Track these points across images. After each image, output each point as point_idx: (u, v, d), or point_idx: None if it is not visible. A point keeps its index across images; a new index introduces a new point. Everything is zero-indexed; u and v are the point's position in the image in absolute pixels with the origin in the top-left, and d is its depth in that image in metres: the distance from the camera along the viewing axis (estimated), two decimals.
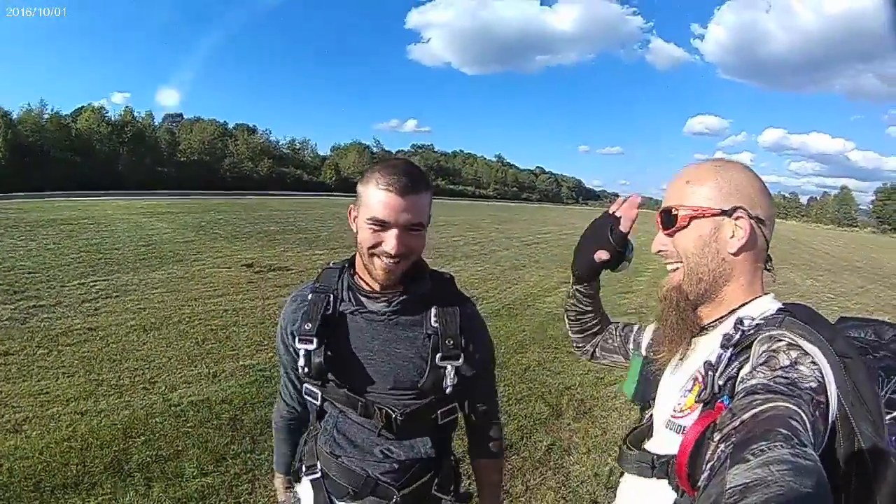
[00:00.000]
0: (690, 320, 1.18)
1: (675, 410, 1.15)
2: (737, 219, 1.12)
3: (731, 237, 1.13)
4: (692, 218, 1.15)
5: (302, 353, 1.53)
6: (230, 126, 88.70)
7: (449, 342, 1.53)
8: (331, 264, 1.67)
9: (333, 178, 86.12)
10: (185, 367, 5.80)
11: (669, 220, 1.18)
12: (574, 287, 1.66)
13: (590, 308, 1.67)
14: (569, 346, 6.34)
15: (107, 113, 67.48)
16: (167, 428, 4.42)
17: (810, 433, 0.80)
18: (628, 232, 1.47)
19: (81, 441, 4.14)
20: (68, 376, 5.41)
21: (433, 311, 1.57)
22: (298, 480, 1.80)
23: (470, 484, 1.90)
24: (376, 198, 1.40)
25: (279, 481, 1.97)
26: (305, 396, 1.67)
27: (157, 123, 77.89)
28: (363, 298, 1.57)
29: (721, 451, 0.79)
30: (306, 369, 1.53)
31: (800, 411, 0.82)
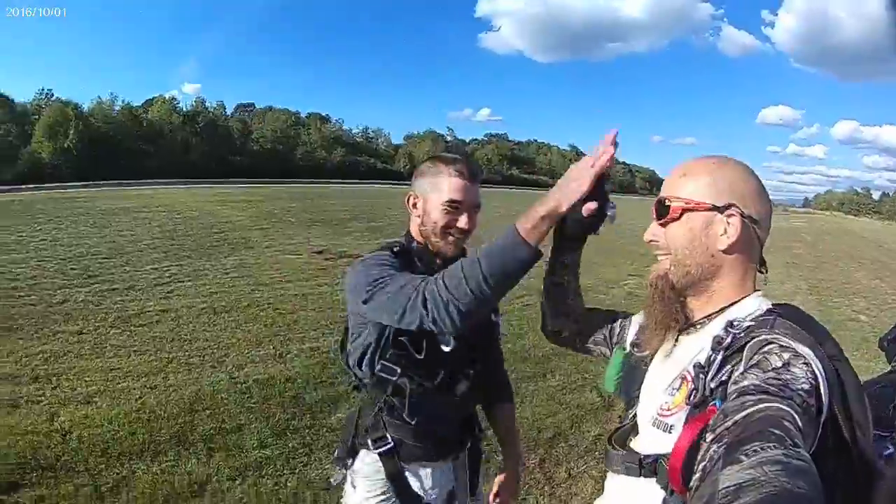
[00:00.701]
0: (676, 311, 1.21)
1: (661, 408, 1.17)
2: (729, 216, 1.14)
3: (722, 234, 1.15)
4: (684, 210, 1.18)
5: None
6: (303, 115, 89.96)
7: None
8: (395, 248, 1.80)
9: (407, 167, 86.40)
10: (253, 348, 6.16)
11: (662, 211, 1.21)
12: (557, 259, 1.59)
13: (570, 283, 1.63)
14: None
15: (178, 103, 69.84)
16: (231, 403, 4.75)
17: (802, 434, 0.82)
18: (607, 175, 1.36)
19: (149, 412, 4.51)
20: (139, 354, 5.86)
21: None
22: (356, 453, 1.91)
23: None
24: (449, 185, 1.72)
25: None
26: (380, 374, 1.80)
27: (228, 113, 79.92)
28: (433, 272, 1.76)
29: (713, 451, 0.82)
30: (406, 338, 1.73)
31: (792, 413, 0.85)
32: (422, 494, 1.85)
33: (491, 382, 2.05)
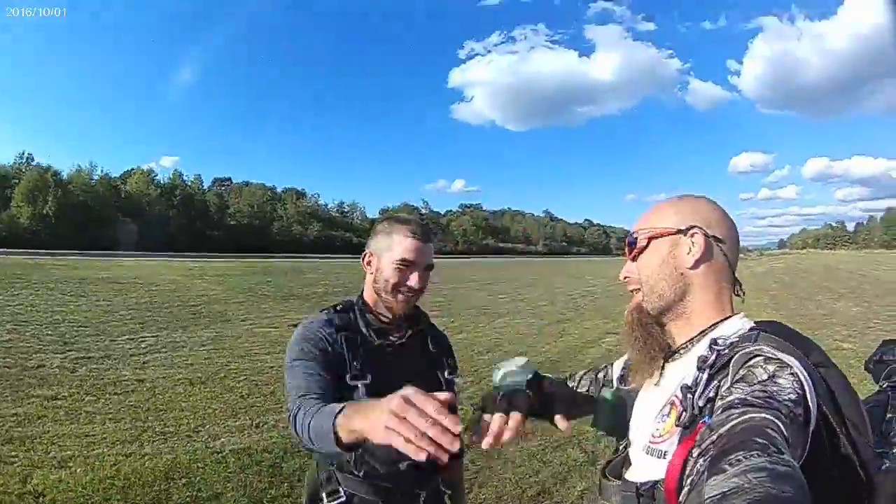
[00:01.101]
0: (658, 336, 1.23)
1: (653, 436, 1.16)
2: (692, 235, 1.19)
3: (688, 253, 1.19)
4: (650, 238, 1.24)
5: (359, 388, 1.75)
6: (279, 190, 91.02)
7: (449, 361, 1.96)
8: (337, 307, 1.90)
9: None
10: (229, 418, 6.09)
11: (632, 244, 1.27)
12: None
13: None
14: None
15: (156, 176, 70.57)
16: (208, 472, 4.68)
17: (788, 442, 0.82)
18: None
19: (124, 480, 4.43)
20: (114, 422, 5.77)
21: (429, 338, 1.97)
22: None
23: None
24: (403, 245, 1.78)
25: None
26: None
27: (205, 187, 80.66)
28: (382, 331, 1.87)
29: (699, 465, 0.82)
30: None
31: (776, 421, 0.84)
32: None
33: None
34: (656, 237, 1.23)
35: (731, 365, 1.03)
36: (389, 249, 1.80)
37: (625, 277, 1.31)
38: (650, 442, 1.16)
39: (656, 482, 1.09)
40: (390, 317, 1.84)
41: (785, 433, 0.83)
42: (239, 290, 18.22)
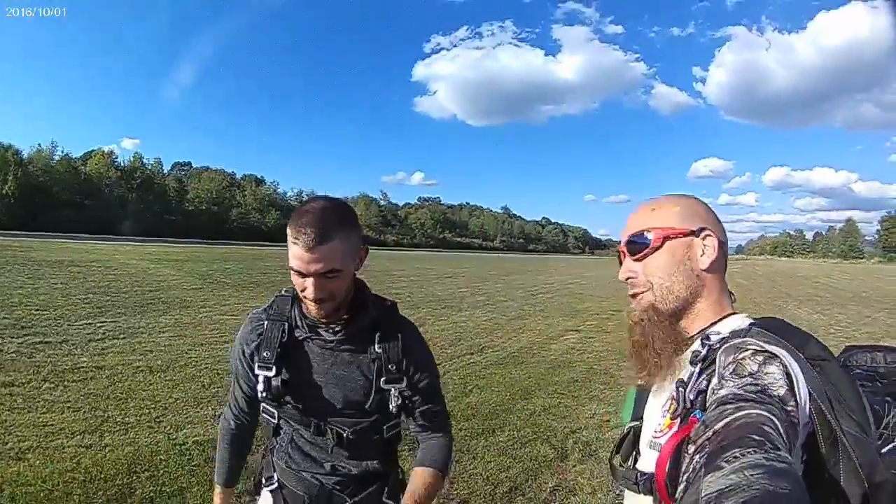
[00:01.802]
0: (675, 333, 1.21)
1: (655, 431, 1.19)
2: (705, 238, 1.19)
3: (702, 255, 1.19)
4: (665, 238, 1.20)
5: (261, 378, 1.71)
6: (238, 176, 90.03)
7: (392, 367, 1.73)
8: (283, 291, 1.83)
9: None
10: (191, 409, 5.91)
11: (642, 243, 1.22)
12: None
13: None
14: (574, 391, 6.39)
15: (116, 158, 69.11)
16: (172, 465, 4.51)
17: (783, 437, 0.82)
18: None
19: (85, 473, 4.25)
20: (73, 411, 5.55)
21: (376, 337, 1.75)
22: (258, 493, 1.97)
23: None
24: (291, 251, 1.56)
25: (217, 495, 2.09)
26: (263, 415, 1.87)
27: (165, 171, 79.39)
28: (315, 326, 1.74)
29: (696, 461, 0.82)
30: (265, 394, 1.73)
31: (772, 417, 0.84)
32: None
33: (420, 451, 1.89)
34: (671, 237, 1.20)
35: (717, 358, 1.04)
36: (288, 254, 1.59)
37: (627, 278, 1.26)
38: (652, 436, 1.19)
39: (653, 474, 1.10)
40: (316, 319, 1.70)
41: (780, 428, 0.83)
42: (198, 276, 17.85)
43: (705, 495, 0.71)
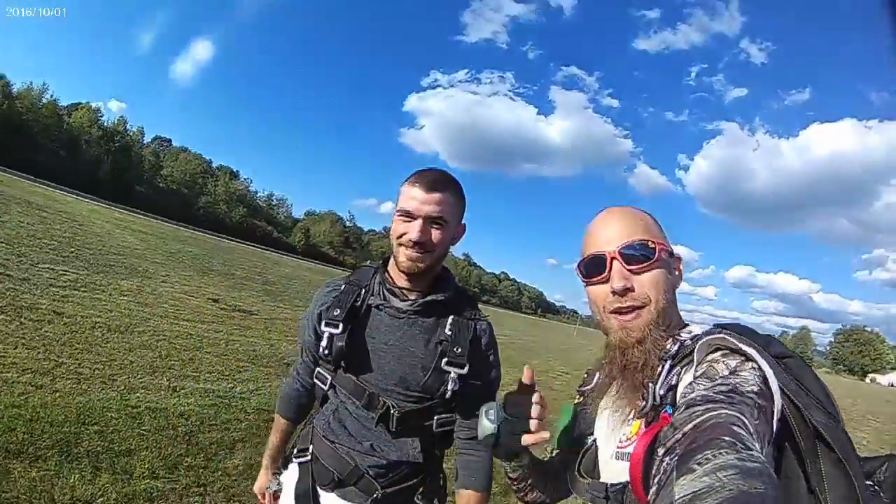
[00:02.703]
0: (667, 344, 1.14)
1: (620, 442, 1.15)
2: (678, 258, 1.22)
3: (678, 274, 1.21)
4: (662, 252, 1.16)
5: (326, 335, 1.66)
6: (214, 164, 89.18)
7: (457, 350, 1.63)
8: (368, 263, 1.84)
9: (302, 242, 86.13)
10: (146, 375, 5.66)
11: (644, 255, 1.15)
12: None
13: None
14: None
15: (101, 116, 67.97)
16: (122, 426, 4.27)
17: (755, 436, 0.80)
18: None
19: (31, 412, 4.00)
20: (28, 349, 5.28)
21: (450, 319, 1.68)
22: (286, 467, 1.86)
23: None
24: (406, 194, 1.60)
25: (263, 474, 2.00)
26: (315, 380, 1.79)
27: (145, 142, 78.32)
28: (390, 295, 1.70)
29: (666, 464, 0.80)
30: (326, 351, 1.66)
31: (742, 417, 0.82)
32: None
33: (461, 461, 1.77)
34: (664, 253, 1.17)
35: (695, 352, 1.02)
36: (398, 201, 1.63)
37: (625, 288, 1.14)
38: (618, 448, 1.15)
39: (626, 484, 1.07)
40: (404, 276, 1.66)
41: (750, 428, 0.81)
42: (162, 252, 17.43)
43: (679, 498, 0.69)
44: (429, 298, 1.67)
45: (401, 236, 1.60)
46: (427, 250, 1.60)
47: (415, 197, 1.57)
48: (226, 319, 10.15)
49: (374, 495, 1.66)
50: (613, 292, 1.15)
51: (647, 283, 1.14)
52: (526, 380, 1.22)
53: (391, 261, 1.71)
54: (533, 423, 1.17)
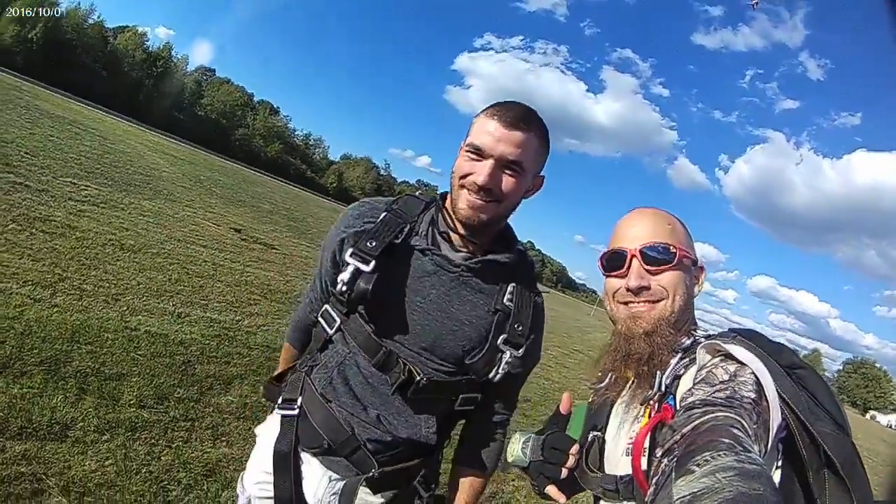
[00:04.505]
0: (674, 347, 1.11)
1: (631, 438, 1.11)
2: (701, 270, 1.21)
3: (696, 284, 1.19)
4: (682, 258, 1.14)
5: (351, 269, 1.28)
6: (255, 99, 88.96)
7: (518, 327, 1.33)
8: (417, 194, 1.46)
9: (334, 185, 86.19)
10: (152, 298, 5.42)
11: (664, 258, 1.14)
12: None
13: None
14: (527, 411, 5.95)
15: (147, 41, 67.86)
16: (117, 347, 4.03)
17: (752, 440, 0.79)
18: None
19: (25, 325, 3.77)
20: (33, 260, 5.05)
21: (510, 287, 1.36)
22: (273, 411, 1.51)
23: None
24: (480, 127, 1.26)
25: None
26: (320, 318, 1.41)
27: (189, 70, 78.25)
28: (441, 240, 1.35)
29: (665, 465, 0.77)
30: (344, 288, 1.28)
31: (740, 420, 0.81)
32: (310, 500, 1.36)
33: (471, 440, 1.52)
34: (685, 259, 1.16)
35: (698, 351, 1.02)
36: (469, 133, 1.29)
37: (641, 286, 1.13)
38: (628, 444, 1.12)
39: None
40: (460, 224, 1.30)
41: (749, 431, 0.80)
42: (191, 178, 17.18)
43: (678, 499, 0.67)
44: (490, 257, 1.33)
45: (465, 176, 1.27)
46: (494, 199, 1.27)
47: (490, 132, 1.24)
48: (244, 250, 9.92)
49: (370, 473, 1.32)
50: (629, 289, 1.14)
51: (664, 282, 1.14)
52: (563, 409, 1.26)
53: (448, 201, 1.36)
54: (563, 472, 1.17)
